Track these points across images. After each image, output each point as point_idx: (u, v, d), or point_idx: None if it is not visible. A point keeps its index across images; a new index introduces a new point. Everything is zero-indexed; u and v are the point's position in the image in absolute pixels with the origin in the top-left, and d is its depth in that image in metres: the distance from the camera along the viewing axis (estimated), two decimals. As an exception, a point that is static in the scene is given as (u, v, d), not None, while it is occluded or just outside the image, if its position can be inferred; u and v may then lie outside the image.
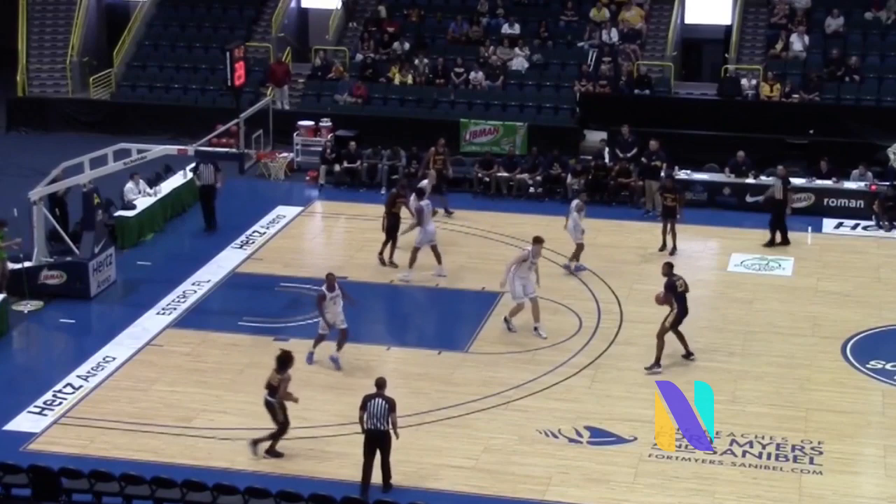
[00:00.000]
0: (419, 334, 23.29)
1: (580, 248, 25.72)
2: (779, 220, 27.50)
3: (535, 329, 22.56)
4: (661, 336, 21.15)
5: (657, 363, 21.09)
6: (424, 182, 26.83)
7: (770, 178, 29.89)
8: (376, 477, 17.46)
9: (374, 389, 17.46)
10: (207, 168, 27.86)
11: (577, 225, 25.59)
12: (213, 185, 28.07)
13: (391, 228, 25.80)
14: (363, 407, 17.36)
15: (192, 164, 28.79)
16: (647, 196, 29.74)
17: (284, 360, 18.29)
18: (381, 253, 25.98)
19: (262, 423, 19.42)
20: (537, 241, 22.82)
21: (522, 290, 22.48)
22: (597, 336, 22.74)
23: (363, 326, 23.42)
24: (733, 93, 34.09)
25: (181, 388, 20.77)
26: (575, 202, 25.96)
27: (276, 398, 18.16)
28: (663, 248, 26.90)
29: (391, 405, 17.31)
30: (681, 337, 21.43)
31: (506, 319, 22.80)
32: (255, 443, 18.44)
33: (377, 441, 17.35)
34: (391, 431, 17.33)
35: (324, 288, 21.43)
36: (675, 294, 21.24)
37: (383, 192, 30.80)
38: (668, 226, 26.79)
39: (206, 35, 39.05)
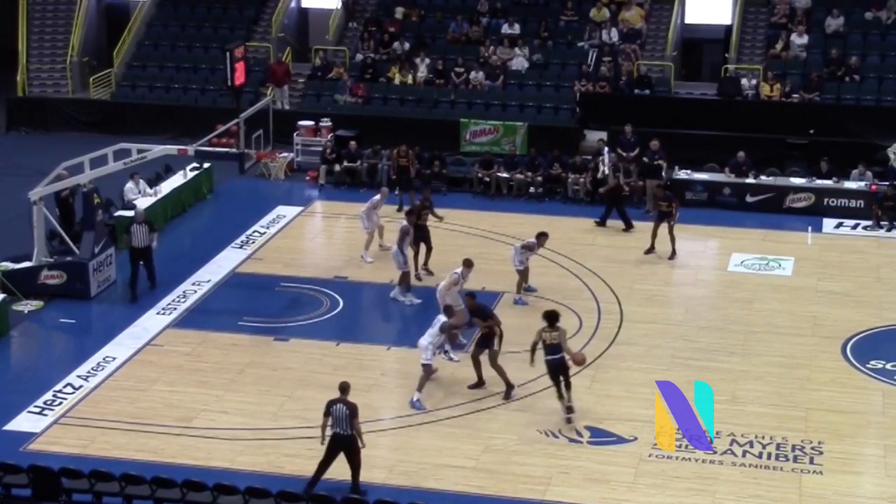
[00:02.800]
0: (419, 334, 23.22)
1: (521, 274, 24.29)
2: (618, 206, 28.28)
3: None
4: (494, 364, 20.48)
5: (508, 389, 20.34)
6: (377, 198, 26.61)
7: (770, 178, 30.06)
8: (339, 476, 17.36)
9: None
10: (141, 228, 24.44)
11: (518, 257, 24.14)
12: (148, 247, 24.58)
13: (423, 239, 25.45)
14: (327, 413, 17.20)
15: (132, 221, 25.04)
16: (647, 196, 29.75)
17: (552, 316, 19.33)
18: (416, 268, 25.19)
19: (263, 422, 19.46)
20: (467, 264, 22.61)
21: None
22: (597, 336, 22.74)
23: (363, 326, 23.46)
24: (733, 93, 34.08)
25: (181, 388, 20.77)
26: (525, 242, 24.37)
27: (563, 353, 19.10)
28: (650, 250, 26.76)
29: (352, 410, 17.12)
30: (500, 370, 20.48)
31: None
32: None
33: (341, 446, 17.20)
34: (357, 438, 17.17)
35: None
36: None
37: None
38: (667, 230, 26.58)
39: (206, 35, 39.05)
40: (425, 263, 25.56)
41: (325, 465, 17.30)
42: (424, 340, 20.26)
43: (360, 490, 17.14)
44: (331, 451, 17.26)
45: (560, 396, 19.33)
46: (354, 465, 17.27)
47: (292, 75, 36.59)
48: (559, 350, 19.18)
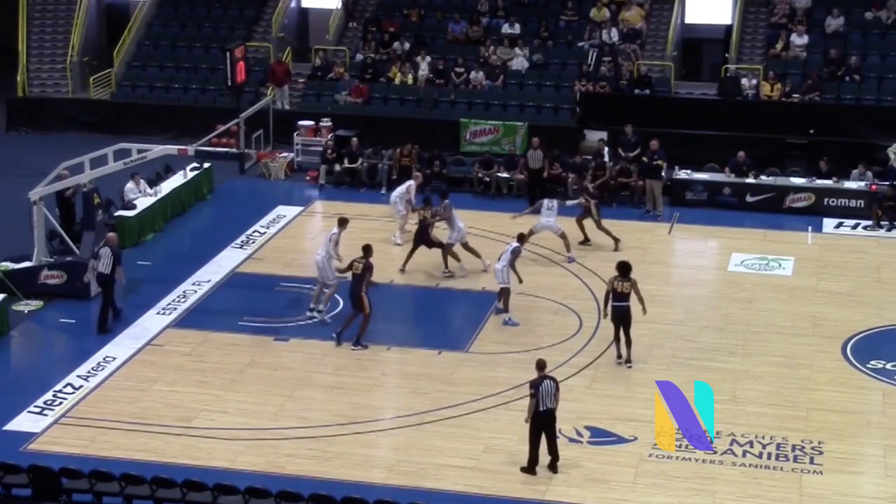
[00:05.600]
0: (419, 334, 23.28)
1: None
2: (541, 187, 29.42)
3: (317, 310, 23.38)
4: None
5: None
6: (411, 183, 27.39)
7: (770, 178, 30.08)
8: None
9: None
10: (105, 252, 22.98)
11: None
12: (110, 276, 22.91)
13: (425, 242, 25.65)
14: (535, 391, 17.75)
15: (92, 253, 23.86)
16: (647, 196, 29.75)
17: (625, 267, 21.25)
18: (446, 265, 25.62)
19: (263, 422, 19.47)
20: (342, 222, 23.71)
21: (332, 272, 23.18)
22: (597, 336, 22.72)
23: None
24: (733, 93, 34.08)
25: (181, 387, 20.77)
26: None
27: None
28: (585, 241, 27.27)
29: (556, 384, 18.01)
30: None
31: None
32: None
33: (549, 420, 17.83)
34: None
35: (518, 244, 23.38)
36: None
37: (384, 192, 30.81)
38: (591, 222, 27.11)
39: (206, 35, 39.05)
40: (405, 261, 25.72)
41: (536, 443, 18.01)
42: (499, 265, 23.06)
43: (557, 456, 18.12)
44: (538, 430, 17.88)
45: (617, 339, 21.41)
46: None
47: (292, 75, 36.59)
48: (627, 299, 21.14)
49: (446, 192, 26.57)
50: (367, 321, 22.16)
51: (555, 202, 26.82)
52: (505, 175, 31.17)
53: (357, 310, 22.15)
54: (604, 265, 26.09)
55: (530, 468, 18.01)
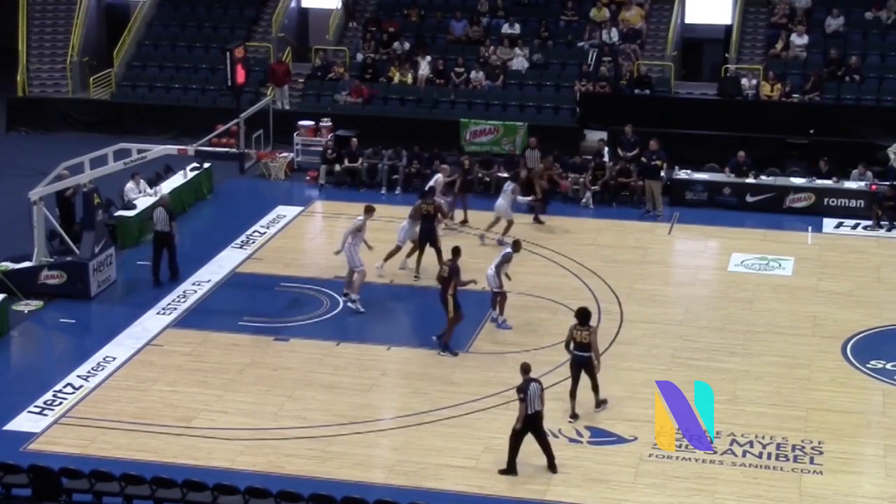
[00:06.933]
0: (419, 334, 23.28)
1: (510, 224, 26.97)
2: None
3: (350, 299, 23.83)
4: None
5: None
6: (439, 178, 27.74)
7: (770, 178, 30.08)
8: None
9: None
10: (160, 212, 25.26)
11: (508, 205, 26.93)
12: (168, 233, 25.10)
13: (430, 241, 25.62)
14: (524, 394, 17.77)
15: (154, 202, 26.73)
16: (647, 196, 29.75)
17: (584, 315, 19.53)
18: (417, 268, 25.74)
19: (263, 422, 19.47)
20: (368, 210, 24.32)
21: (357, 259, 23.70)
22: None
23: (364, 326, 23.45)
24: (733, 93, 34.08)
25: (181, 387, 20.77)
26: (510, 186, 27.22)
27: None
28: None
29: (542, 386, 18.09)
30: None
31: (346, 294, 23.94)
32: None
33: (537, 422, 17.92)
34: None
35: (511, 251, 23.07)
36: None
37: (384, 192, 30.81)
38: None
39: (206, 35, 39.06)
40: (391, 258, 25.65)
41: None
42: (490, 270, 22.82)
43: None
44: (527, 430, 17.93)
45: (573, 394, 19.59)
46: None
47: (292, 75, 36.59)
48: (587, 349, 19.45)
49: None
50: (452, 325, 21.99)
51: (510, 185, 27.31)
52: (505, 175, 31.14)
53: (452, 313, 21.96)
54: (604, 265, 26.14)
55: (510, 470, 17.96)
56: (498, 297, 23.13)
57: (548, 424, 19.20)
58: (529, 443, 18.29)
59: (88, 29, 39.62)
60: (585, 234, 28.27)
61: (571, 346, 19.53)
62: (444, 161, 30.24)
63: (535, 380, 18.00)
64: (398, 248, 25.62)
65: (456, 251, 22.51)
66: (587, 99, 34.37)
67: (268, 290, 24.99)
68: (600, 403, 19.78)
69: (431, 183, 27.50)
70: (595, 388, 19.71)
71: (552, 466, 18.04)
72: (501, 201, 27.16)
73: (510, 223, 27.08)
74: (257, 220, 28.91)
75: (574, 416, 19.53)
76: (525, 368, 18.10)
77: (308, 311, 23.94)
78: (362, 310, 23.68)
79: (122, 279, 25.37)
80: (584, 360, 19.46)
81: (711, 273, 26.45)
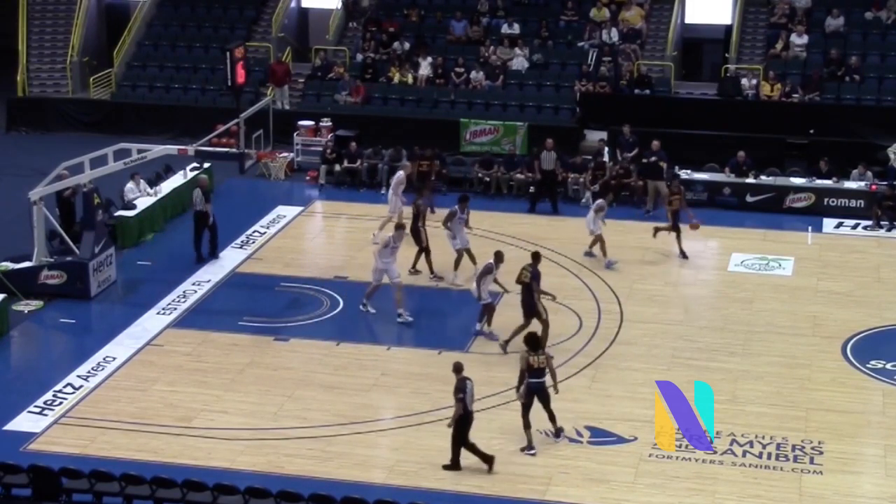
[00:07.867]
0: (419, 334, 23.28)
1: (598, 239, 26.20)
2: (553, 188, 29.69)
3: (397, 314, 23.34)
4: None
5: None
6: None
7: (770, 178, 30.07)
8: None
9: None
10: (197, 193, 26.38)
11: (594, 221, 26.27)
12: (204, 212, 26.24)
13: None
14: (463, 394, 17.75)
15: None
16: (647, 196, 29.75)
17: (534, 341, 18.94)
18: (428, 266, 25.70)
19: (263, 422, 19.47)
20: (399, 227, 23.89)
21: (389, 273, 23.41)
22: (597, 336, 22.74)
23: (363, 326, 23.45)
24: (733, 93, 34.07)
25: (181, 387, 20.77)
26: (598, 202, 26.79)
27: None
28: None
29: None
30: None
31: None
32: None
33: (471, 423, 17.93)
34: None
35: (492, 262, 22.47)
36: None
37: (383, 192, 30.82)
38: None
39: (206, 35, 39.05)
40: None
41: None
42: (473, 285, 22.66)
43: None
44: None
45: (527, 425, 18.55)
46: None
47: (292, 75, 36.59)
48: (542, 374, 18.59)
49: (467, 197, 26.34)
50: (546, 329, 21.62)
51: (598, 202, 26.93)
52: (505, 175, 31.17)
53: (529, 319, 21.74)
54: (602, 266, 26.16)
55: (454, 466, 18.00)
56: (485, 310, 22.83)
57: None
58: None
59: (88, 29, 39.62)
60: (585, 233, 28.20)
61: (527, 374, 18.49)
62: (410, 158, 30.34)
63: (468, 378, 17.95)
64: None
65: (536, 256, 22.36)
66: (587, 99, 34.37)
67: (268, 290, 24.99)
68: (559, 431, 18.95)
69: (393, 181, 27.58)
70: (552, 417, 18.83)
71: (491, 467, 18.08)
72: (588, 215, 26.50)
73: (597, 238, 26.20)
74: (257, 220, 28.90)
75: (531, 446, 18.51)
76: (458, 368, 18.02)
77: (308, 311, 23.94)
78: (410, 318, 23.39)
79: (122, 279, 25.38)
80: (540, 386, 18.54)
81: (711, 273, 26.45)
